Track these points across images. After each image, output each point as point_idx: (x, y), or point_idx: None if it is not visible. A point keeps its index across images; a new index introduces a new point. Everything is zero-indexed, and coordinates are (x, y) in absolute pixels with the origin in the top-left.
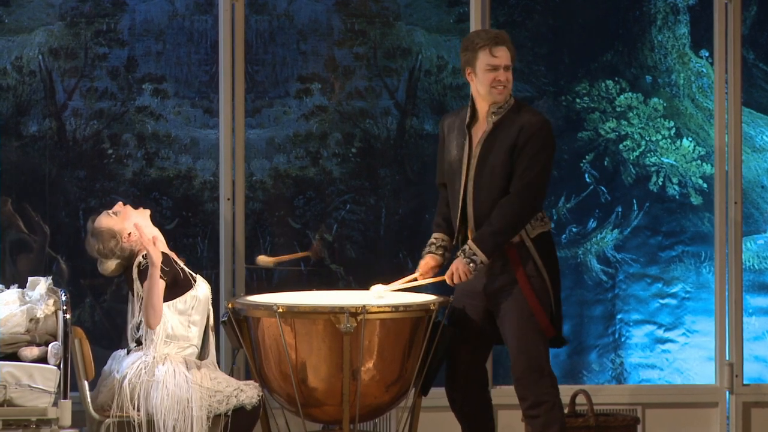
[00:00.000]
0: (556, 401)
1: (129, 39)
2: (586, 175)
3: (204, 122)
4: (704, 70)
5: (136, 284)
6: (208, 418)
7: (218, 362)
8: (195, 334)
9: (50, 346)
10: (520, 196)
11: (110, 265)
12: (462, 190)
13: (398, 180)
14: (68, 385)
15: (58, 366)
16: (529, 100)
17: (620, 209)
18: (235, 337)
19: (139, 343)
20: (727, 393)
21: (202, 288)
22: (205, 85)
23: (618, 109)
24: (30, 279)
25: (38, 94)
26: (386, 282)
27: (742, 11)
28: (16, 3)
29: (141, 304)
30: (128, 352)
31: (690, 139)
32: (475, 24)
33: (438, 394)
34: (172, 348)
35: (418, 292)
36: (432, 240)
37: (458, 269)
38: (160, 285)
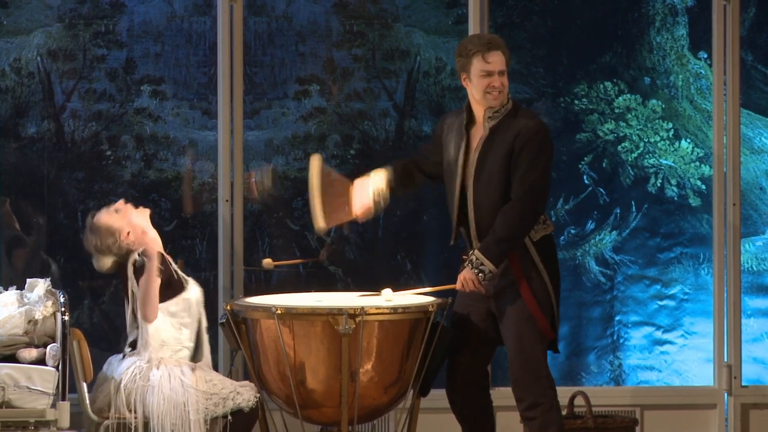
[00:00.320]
0: (554, 403)
1: (127, 40)
2: (585, 177)
3: (203, 124)
4: (703, 72)
5: (131, 282)
6: (205, 421)
7: (216, 364)
8: (187, 337)
9: (49, 347)
10: (522, 202)
11: (106, 262)
12: (458, 192)
13: None
14: (67, 386)
15: (57, 368)
16: (527, 101)
17: (619, 211)
18: (233, 339)
19: (133, 347)
20: (726, 395)
21: (193, 291)
22: (203, 86)
23: (616, 111)
24: (28, 281)
25: (37, 96)
26: (394, 287)
27: (741, 13)
28: (15, 4)
29: (135, 303)
30: (123, 357)
31: (688, 140)
32: (473, 25)
33: (437, 396)
34: (165, 351)
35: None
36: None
37: (467, 279)
38: (157, 280)
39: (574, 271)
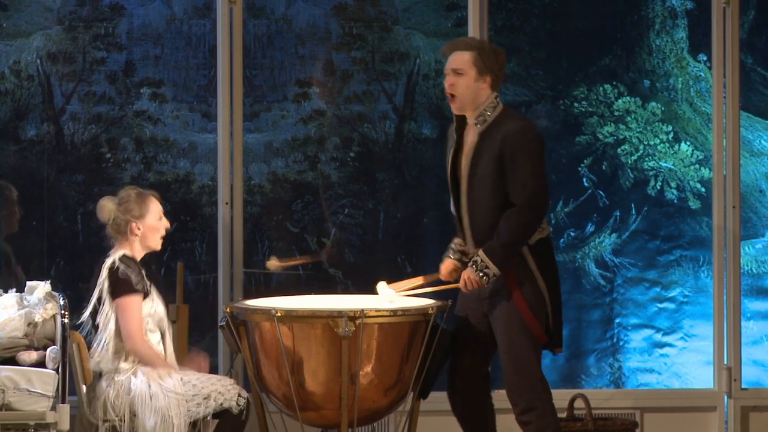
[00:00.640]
0: (548, 407)
1: (127, 43)
2: (584, 180)
3: (202, 126)
4: (702, 75)
5: (102, 286)
6: (191, 423)
7: (216, 366)
8: (154, 341)
9: (48, 350)
10: (528, 207)
11: (104, 216)
12: (453, 198)
13: (396, 184)
14: (66, 389)
15: (57, 370)
16: (526, 104)
17: (618, 213)
18: (233, 342)
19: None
20: (726, 397)
21: (159, 305)
22: (203, 89)
23: (616, 114)
24: (28, 283)
25: (36, 99)
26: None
27: (741, 15)
28: (14, 7)
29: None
30: (100, 375)
31: (688, 143)
32: (473, 28)
33: (437, 398)
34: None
35: (420, 296)
36: (451, 245)
37: (470, 279)
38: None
39: (573, 273)
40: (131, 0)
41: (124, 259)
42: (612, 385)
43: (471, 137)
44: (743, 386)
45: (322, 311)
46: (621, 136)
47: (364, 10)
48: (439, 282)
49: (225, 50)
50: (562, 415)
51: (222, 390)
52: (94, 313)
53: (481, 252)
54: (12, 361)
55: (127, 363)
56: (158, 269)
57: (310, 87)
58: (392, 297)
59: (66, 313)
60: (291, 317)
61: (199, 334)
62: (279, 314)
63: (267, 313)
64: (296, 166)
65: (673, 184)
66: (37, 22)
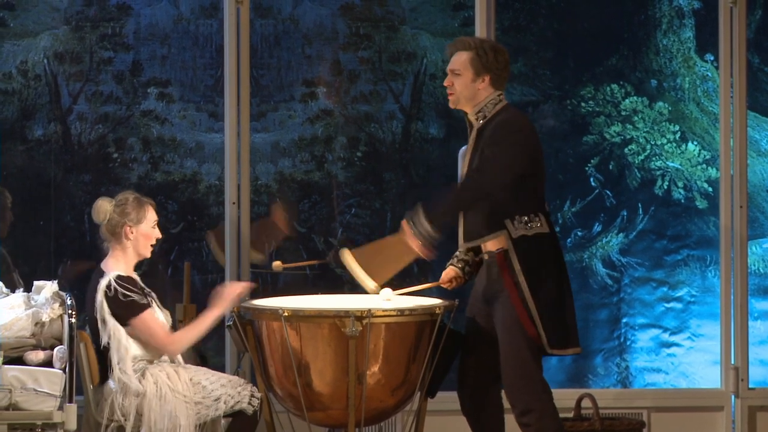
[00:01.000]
0: (546, 408)
1: (134, 43)
2: (592, 179)
3: (209, 126)
4: (709, 74)
5: (104, 307)
6: (200, 425)
7: (223, 366)
8: None
9: (56, 350)
10: (471, 177)
11: (100, 217)
12: None
13: (403, 184)
14: (74, 389)
15: (64, 370)
16: (533, 104)
17: (625, 213)
18: (240, 341)
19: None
20: (733, 397)
21: (160, 313)
22: (210, 89)
23: (623, 113)
24: (35, 283)
25: (43, 98)
26: (396, 287)
27: (747, 15)
28: (22, 7)
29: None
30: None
31: (695, 143)
32: (480, 28)
33: (444, 398)
34: (143, 363)
35: (426, 295)
36: (456, 253)
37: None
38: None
39: (580, 273)
40: (138, 0)
41: (119, 281)
42: (619, 384)
43: (473, 132)
44: (750, 386)
45: (329, 311)
46: (628, 136)
47: (371, 10)
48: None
49: (232, 50)
50: (569, 414)
51: (232, 392)
52: (96, 330)
53: (418, 212)
54: (19, 360)
55: (135, 365)
56: (165, 269)
57: (317, 87)
58: (390, 296)
59: (73, 312)
60: (298, 317)
61: (206, 334)
62: (286, 314)
63: (274, 312)
64: (303, 166)
65: (680, 184)
66: (44, 21)
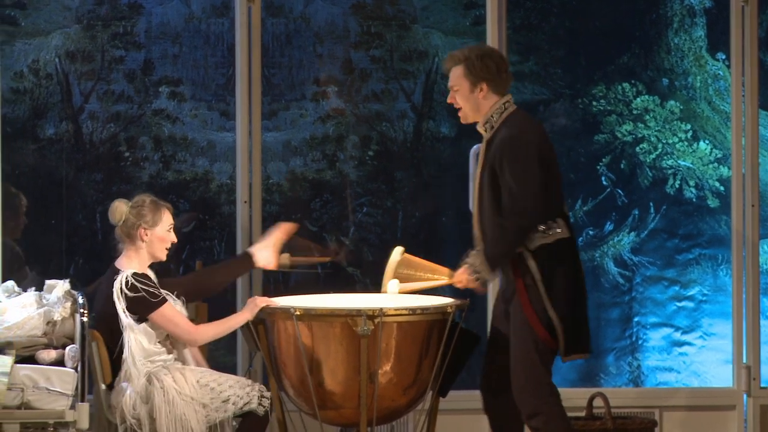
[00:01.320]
0: (553, 411)
1: (145, 42)
2: (603, 178)
3: (221, 125)
4: (721, 73)
5: (122, 302)
6: (210, 428)
7: (235, 365)
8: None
9: (67, 349)
10: (514, 215)
11: (116, 218)
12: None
13: (415, 183)
14: (86, 388)
15: (76, 369)
16: (545, 102)
17: (637, 212)
18: (252, 340)
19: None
20: (745, 396)
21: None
22: (221, 88)
23: (635, 112)
24: (47, 282)
25: (55, 97)
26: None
27: (759, 14)
28: (33, 6)
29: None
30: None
31: (707, 141)
32: (491, 26)
33: (456, 397)
34: (151, 365)
35: (438, 294)
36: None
37: (462, 279)
38: (176, 315)
39: (592, 272)
40: None
41: (135, 277)
42: (631, 383)
43: (483, 145)
44: (762, 385)
45: (341, 310)
46: (639, 135)
47: (382, 8)
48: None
49: (243, 49)
50: (581, 413)
51: (241, 393)
52: (106, 328)
53: (473, 255)
54: (31, 359)
55: (144, 368)
56: (177, 268)
57: (329, 86)
58: (395, 289)
59: (85, 311)
60: (310, 316)
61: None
62: (298, 313)
63: (286, 311)
64: (314, 165)
65: (691, 183)
66: (56, 20)
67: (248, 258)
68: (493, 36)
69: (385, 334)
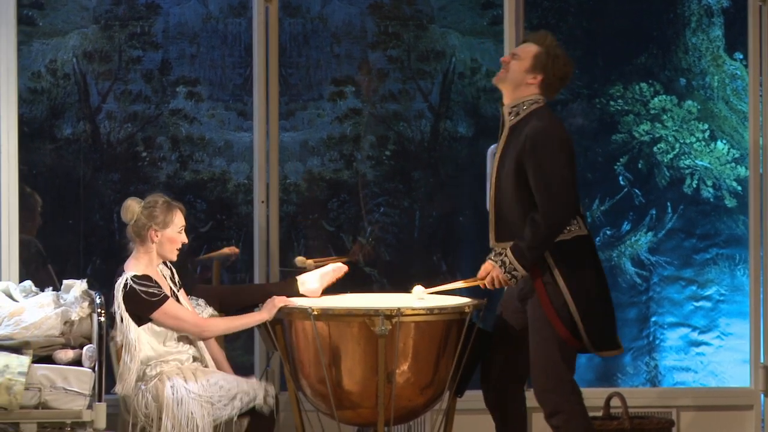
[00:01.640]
0: (575, 409)
1: (163, 42)
2: (620, 178)
3: (238, 125)
4: (738, 73)
5: (118, 306)
6: (216, 425)
7: (252, 365)
8: (185, 347)
9: (85, 348)
10: (547, 211)
11: (128, 217)
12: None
13: (432, 183)
14: (103, 387)
15: (93, 369)
16: (563, 102)
17: (654, 212)
18: (269, 340)
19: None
20: (762, 396)
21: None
22: (239, 88)
23: (652, 112)
24: (65, 282)
25: (72, 97)
26: (427, 285)
27: None
28: (51, 6)
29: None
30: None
31: (724, 141)
32: (509, 27)
33: (473, 397)
34: (165, 365)
35: (456, 294)
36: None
37: (497, 278)
38: (179, 311)
39: (609, 272)
40: None
41: (134, 279)
42: (648, 383)
43: (505, 130)
44: None
45: (359, 310)
46: (657, 135)
47: (399, 8)
48: (477, 287)
49: (261, 49)
50: (599, 413)
51: (248, 389)
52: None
53: (509, 253)
54: (49, 359)
55: (152, 370)
56: (194, 268)
57: (346, 86)
58: (422, 295)
59: (102, 311)
60: (327, 316)
61: (234, 333)
62: (316, 313)
63: (304, 311)
64: (332, 165)
65: (709, 183)
66: (74, 20)
67: (293, 284)
68: (511, 36)
69: (402, 334)
